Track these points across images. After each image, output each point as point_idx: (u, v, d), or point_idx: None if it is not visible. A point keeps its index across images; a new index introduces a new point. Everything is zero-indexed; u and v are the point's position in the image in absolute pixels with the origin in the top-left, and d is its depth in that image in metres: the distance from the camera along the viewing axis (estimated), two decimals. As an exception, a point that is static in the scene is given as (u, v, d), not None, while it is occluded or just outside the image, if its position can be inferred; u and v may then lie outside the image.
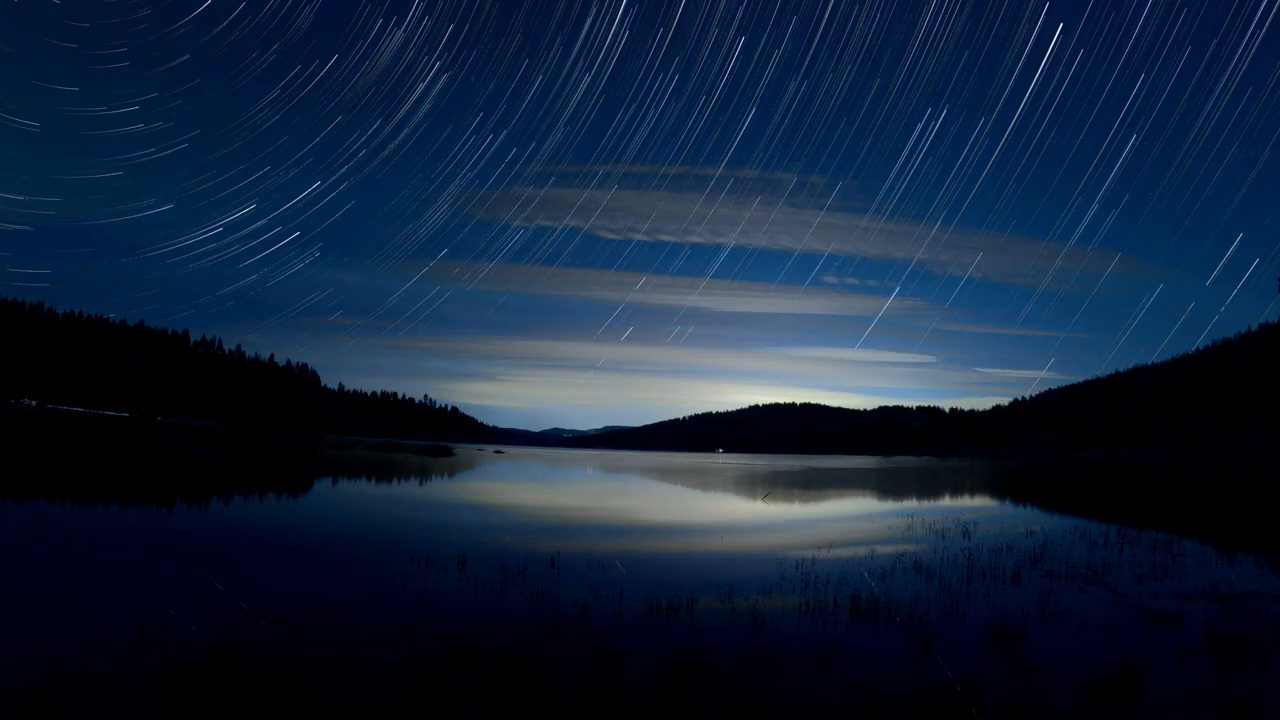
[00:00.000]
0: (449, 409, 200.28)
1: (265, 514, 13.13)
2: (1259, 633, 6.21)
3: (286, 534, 10.53)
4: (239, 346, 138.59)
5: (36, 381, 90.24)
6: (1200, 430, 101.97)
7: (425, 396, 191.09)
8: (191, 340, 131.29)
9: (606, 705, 4.22)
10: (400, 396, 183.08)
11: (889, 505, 20.97)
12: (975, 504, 22.19)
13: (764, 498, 22.93)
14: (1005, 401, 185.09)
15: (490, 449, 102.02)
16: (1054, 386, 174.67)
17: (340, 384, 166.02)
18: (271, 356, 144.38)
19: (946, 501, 23.22)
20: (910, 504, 21.28)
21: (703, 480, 33.94)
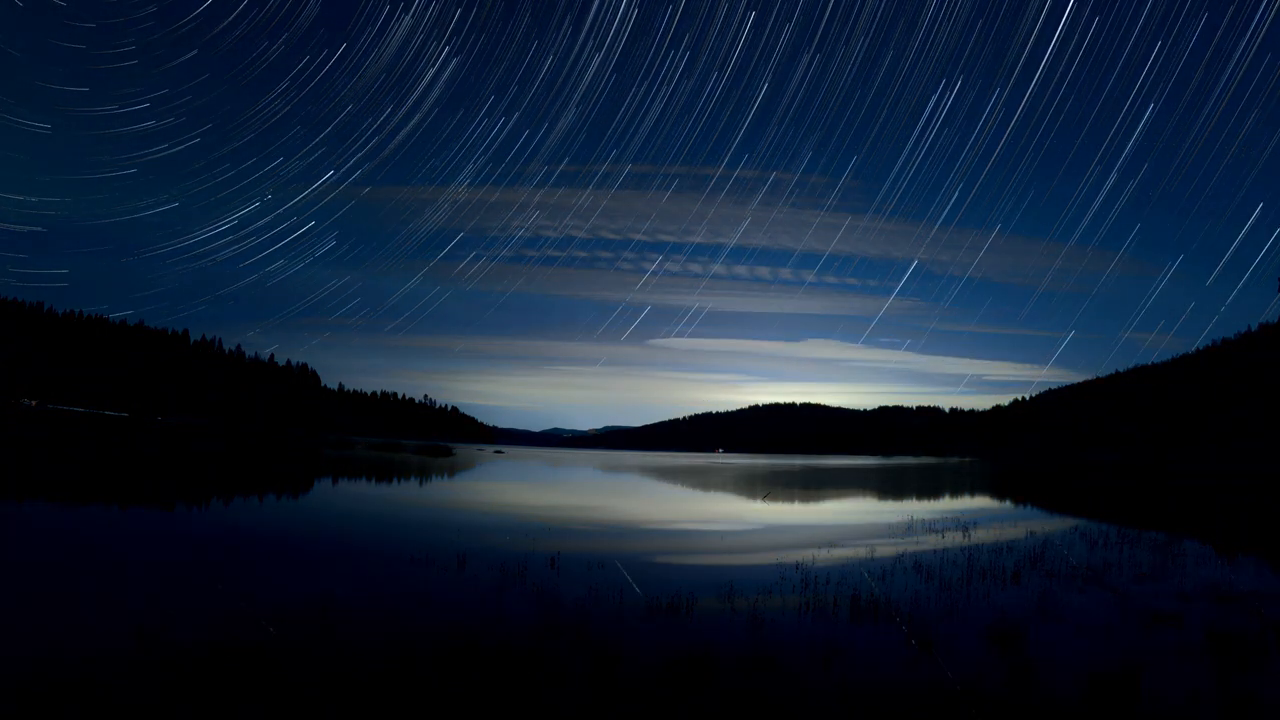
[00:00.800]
0: (449, 409, 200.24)
1: (265, 513, 13.12)
2: (1259, 633, 6.21)
3: (286, 533, 10.53)
4: (239, 346, 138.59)
5: (36, 381, 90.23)
6: (1200, 430, 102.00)
7: (425, 396, 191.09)
8: (191, 340, 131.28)
9: (607, 705, 4.22)
10: (400, 396, 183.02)
11: (889, 505, 20.96)
12: (975, 504, 22.18)
13: (764, 497, 22.92)
14: (1005, 401, 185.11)
15: (490, 449, 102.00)
16: (1054, 386, 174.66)
17: (340, 384, 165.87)
18: (271, 356, 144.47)
19: (946, 501, 23.22)
20: (910, 504, 21.27)
21: (703, 480, 33.94)
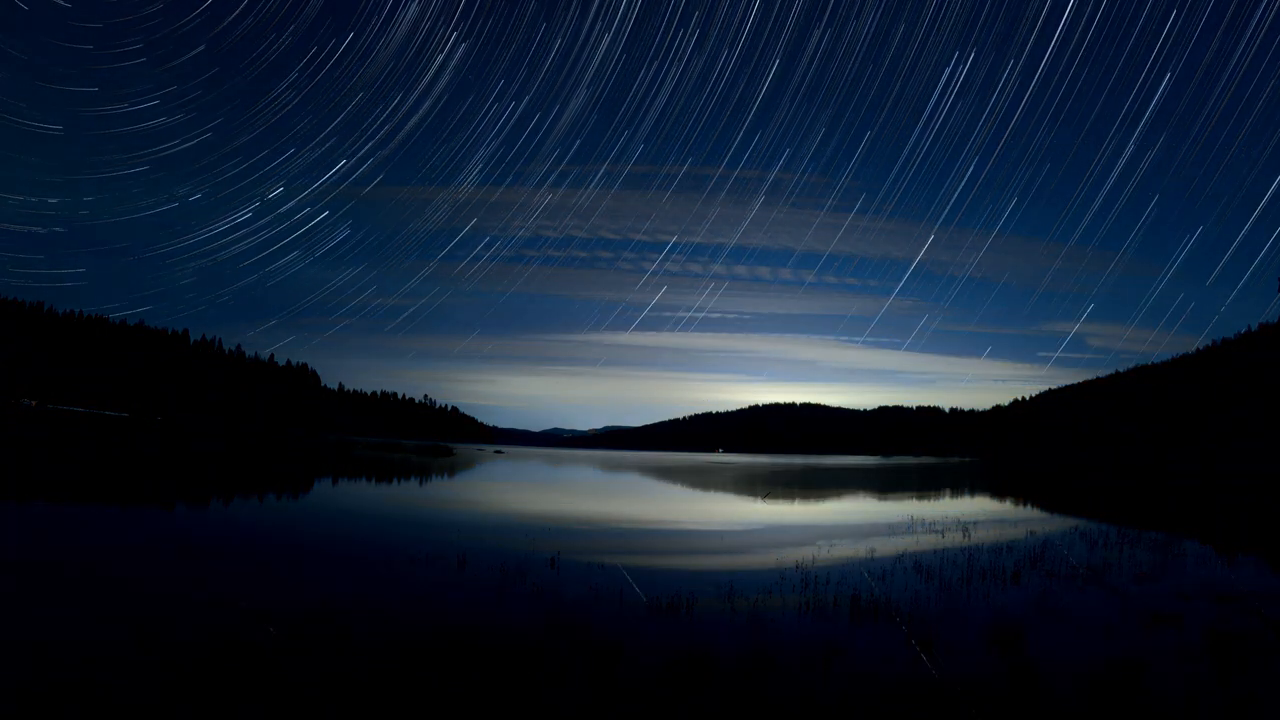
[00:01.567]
0: (449, 409, 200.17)
1: (265, 513, 13.12)
2: (1259, 633, 6.21)
3: (286, 533, 10.53)
4: (239, 346, 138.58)
5: (36, 381, 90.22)
6: (1200, 430, 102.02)
7: (425, 396, 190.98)
8: (191, 340, 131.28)
9: (607, 705, 4.22)
10: (400, 396, 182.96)
11: (889, 505, 20.97)
12: (975, 504, 22.18)
13: (764, 497, 22.93)
14: (1005, 401, 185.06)
15: (490, 449, 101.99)
16: (1054, 386, 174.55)
17: (340, 384, 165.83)
18: (271, 356, 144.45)
19: (946, 501, 23.21)
20: (910, 504, 21.28)
21: (703, 480, 33.94)
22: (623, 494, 24.23)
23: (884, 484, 34.01)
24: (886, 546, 11.14)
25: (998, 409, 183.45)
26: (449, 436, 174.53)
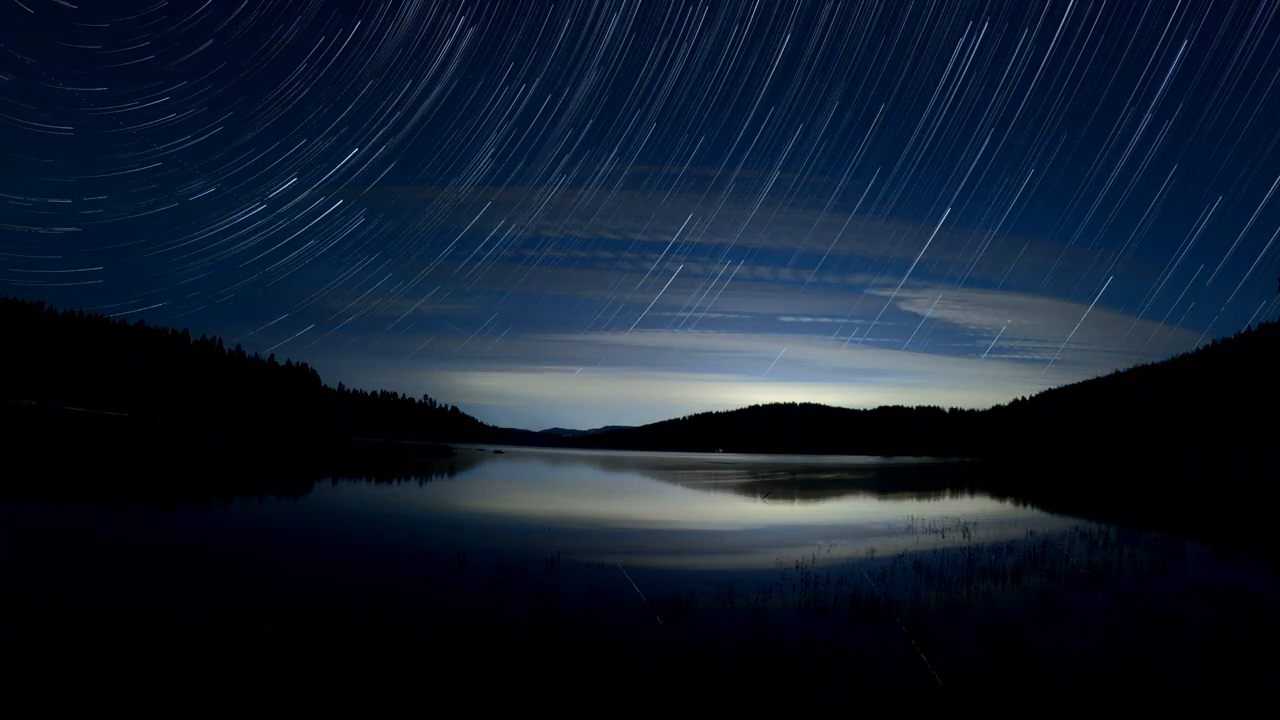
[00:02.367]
0: (449, 409, 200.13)
1: (264, 513, 13.13)
2: (1259, 633, 6.21)
3: (286, 533, 10.53)
4: (239, 346, 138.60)
5: (36, 381, 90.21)
6: (1200, 430, 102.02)
7: (425, 396, 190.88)
8: (191, 340, 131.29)
9: (607, 704, 4.22)
10: (400, 396, 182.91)
11: (889, 505, 20.97)
12: (975, 504, 22.18)
13: (764, 497, 22.93)
14: (1005, 401, 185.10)
15: (490, 449, 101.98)
16: (1054, 386, 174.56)
17: (340, 384, 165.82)
18: (271, 356, 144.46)
19: (946, 501, 23.21)
20: (910, 504, 21.28)
21: (702, 480, 33.94)
22: (623, 494, 24.23)
23: (884, 484, 34.02)
24: (886, 546, 11.14)
25: (998, 409, 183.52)
26: (449, 436, 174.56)
